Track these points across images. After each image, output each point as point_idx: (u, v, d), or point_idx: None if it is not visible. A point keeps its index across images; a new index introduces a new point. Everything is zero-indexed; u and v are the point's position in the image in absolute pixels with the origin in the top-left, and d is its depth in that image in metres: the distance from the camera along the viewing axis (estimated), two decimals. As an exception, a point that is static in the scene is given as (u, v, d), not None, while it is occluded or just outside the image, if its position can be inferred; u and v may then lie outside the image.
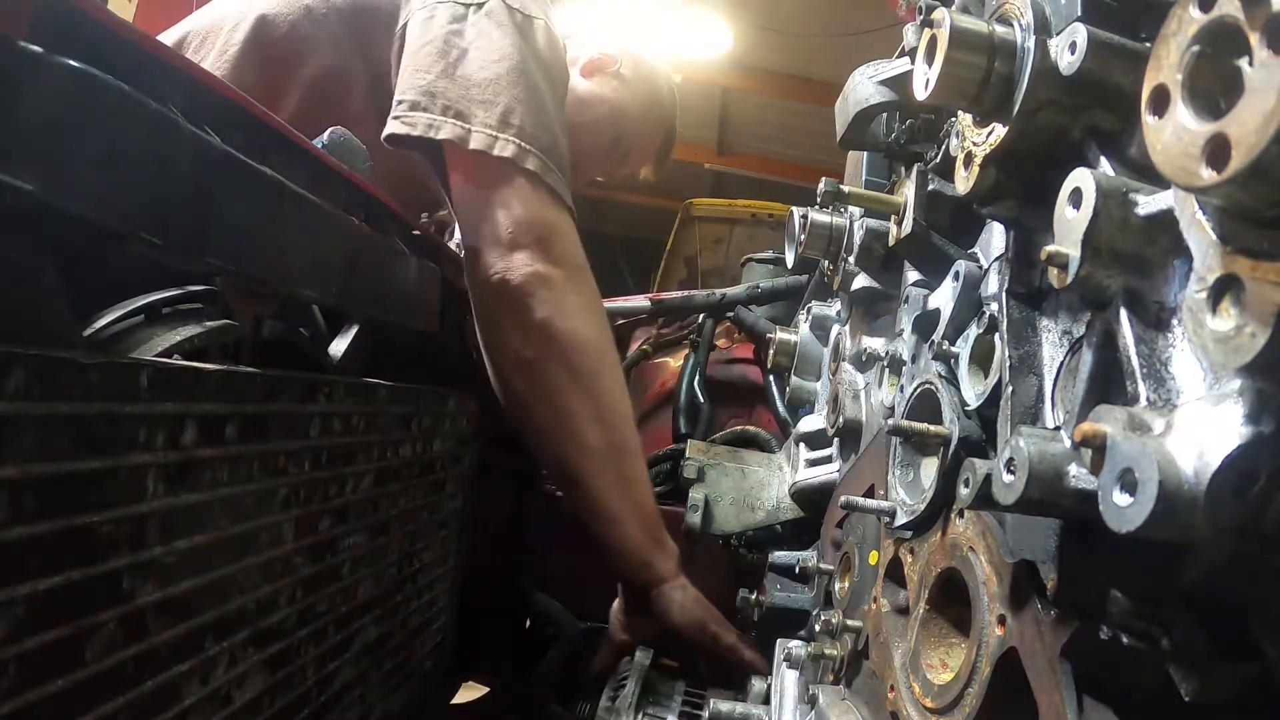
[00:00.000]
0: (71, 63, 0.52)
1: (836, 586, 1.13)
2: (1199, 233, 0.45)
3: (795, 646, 1.11)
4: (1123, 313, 0.53)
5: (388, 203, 1.07)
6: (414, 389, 1.18)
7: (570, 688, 1.63)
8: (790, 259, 1.33)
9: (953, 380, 0.80)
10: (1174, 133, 0.42)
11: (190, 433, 0.67)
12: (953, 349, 0.80)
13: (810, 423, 1.37)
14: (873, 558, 0.97)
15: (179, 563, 0.67)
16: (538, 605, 1.77)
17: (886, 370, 1.07)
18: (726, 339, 2.08)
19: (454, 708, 1.71)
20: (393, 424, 1.13)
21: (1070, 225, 0.54)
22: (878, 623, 0.90)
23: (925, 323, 0.88)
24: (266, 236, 0.80)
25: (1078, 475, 0.51)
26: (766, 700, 1.20)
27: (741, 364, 2.01)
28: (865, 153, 1.34)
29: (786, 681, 1.15)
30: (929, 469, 0.86)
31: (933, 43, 0.67)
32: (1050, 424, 0.64)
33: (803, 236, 1.27)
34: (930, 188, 0.91)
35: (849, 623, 0.98)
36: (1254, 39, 0.38)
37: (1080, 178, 0.54)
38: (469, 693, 1.83)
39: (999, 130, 0.66)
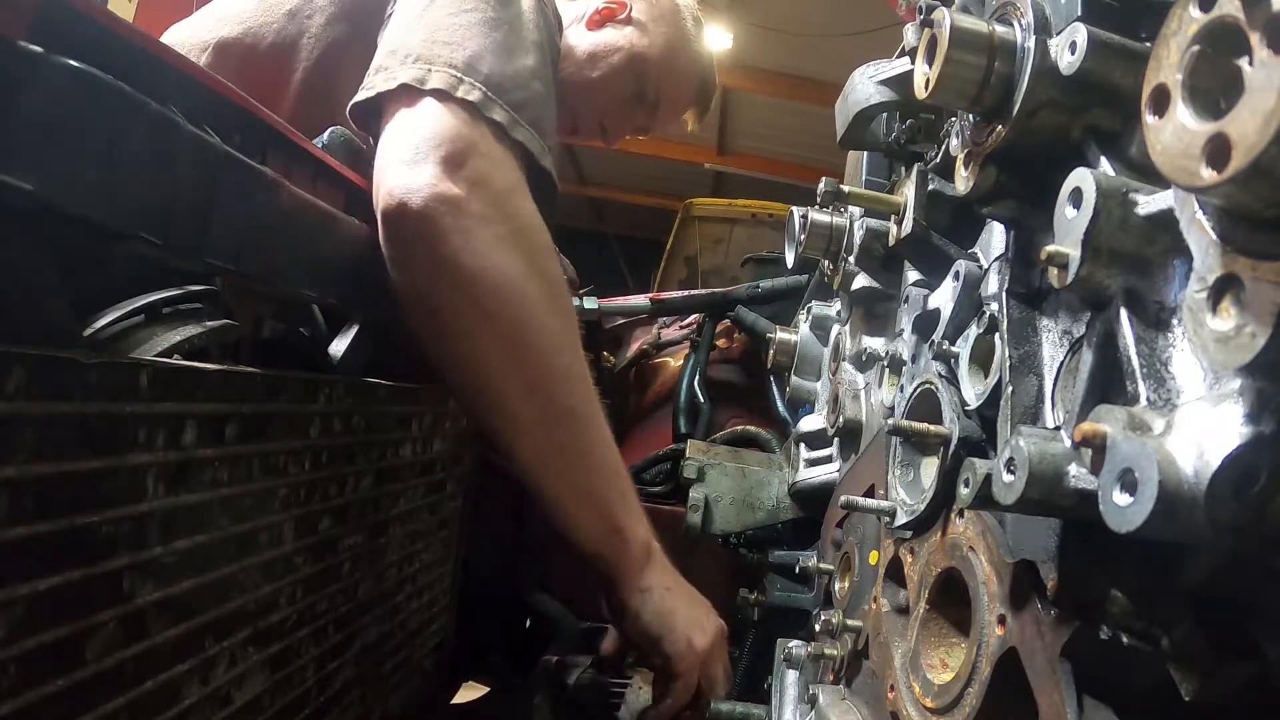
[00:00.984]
0: (71, 63, 0.52)
1: (836, 586, 1.13)
2: (1199, 232, 0.45)
3: (795, 646, 1.11)
4: (1123, 312, 0.53)
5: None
6: (414, 388, 1.18)
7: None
8: (790, 259, 1.33)
9: (953, 380, 0.80)
10: (1174, 132, 0.42)
11: (190, 432, 0.67)
12: (953, 349, 0.80)
13: (810, 422, 1.37)
14: (873, 557, 0.98)
15: (179, 562, 0.67)
16: (538, 605, 1.77)
17: (886, 370, 1.07)
18: (726, 339, 2.08)
19: (454, 708, 1.71)
20: (393, 424, 1.13)
21: (1070, 225, 0.54)
22: (878, 622, 0.90)
23: (925, 322, 0.88)
24: (266, 236, 0.80)
25: (1078, 475, 0.51)
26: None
27: (741, 364, 2.01)
28: (865, 152, 1.34)
29: (787, 681, 1.15)
30: (929, 469, 0.86)
31: (933, 42, 0.67)
32: (1050, 424, 0.64)
33: (803, 236, 1.27)
34: (930, 188, 0.91)
35: (849, 622, 0.98)
36: (1254, 39, 0.38)
37: (1080, 177, 0.54)
38: (469, 693, 1.83)
39: (999, 130, 0.66)
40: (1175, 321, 0.52)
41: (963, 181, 0.72)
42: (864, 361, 1.18)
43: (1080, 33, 0.59)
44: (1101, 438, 0.46)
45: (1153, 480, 0.42)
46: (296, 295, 0.91)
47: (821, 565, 1.19)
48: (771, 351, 1.55)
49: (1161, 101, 0.44)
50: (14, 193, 0.50)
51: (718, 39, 6.86)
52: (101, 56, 0.55)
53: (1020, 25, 0.64)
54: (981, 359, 0.78)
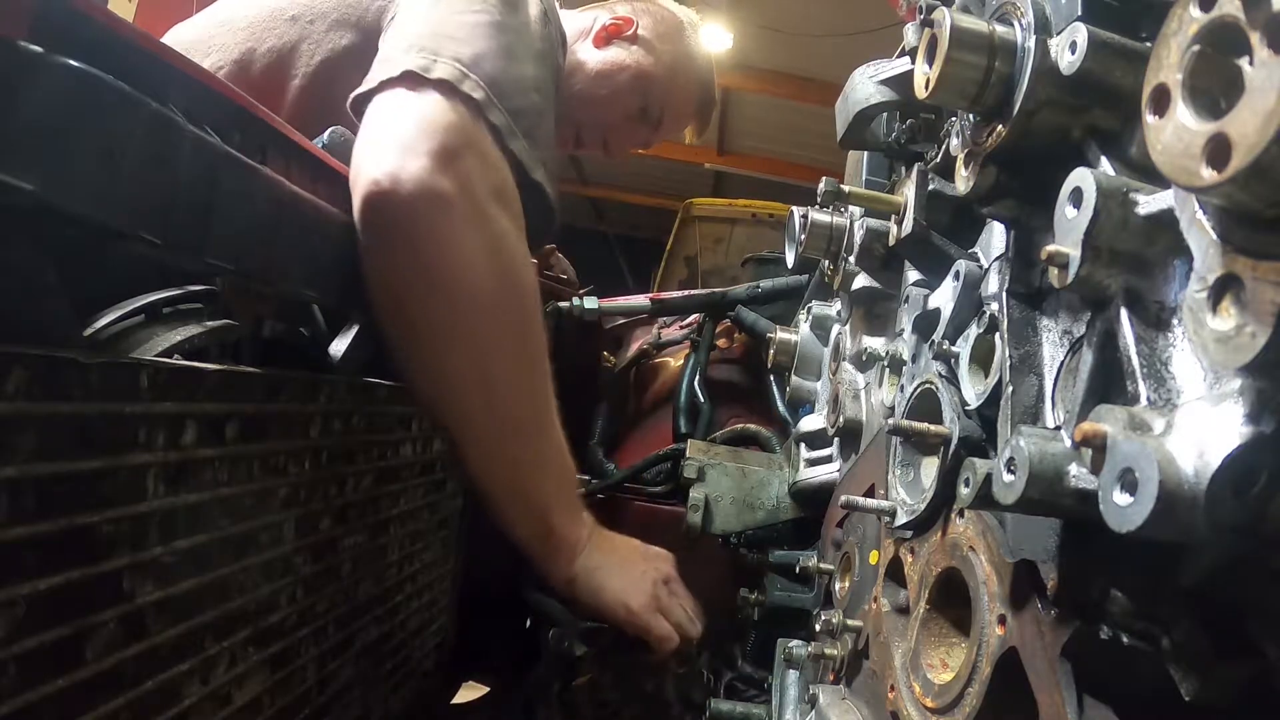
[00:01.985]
0: (72, 63, 0.52)
1: (837, 586, 1.13)
2: (1199, 232, 0.45)
3: (795, 646, 1.11)
4: (1123, 312, 0.53)
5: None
6: (414, 389, 1.18)
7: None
8: (790, 259, 1.33)
9: (953, 380, 0.80)
10: (1174, 132, 0.42)
11: (190, 432, 0.67)
12: (953, 349, 0.80)
13: (810, 422, 1.37)
14: (873, 557, 0.98)
15: (179, 562, 0.67)
16: (538, 605, 1.76)
17: (887, 370, 1.07)
18: (727, 339, 2.08)
19: (454, 708, 1.71)
20: (393, 423, 1.14)
21: (1070, 225, 0.54)
22: (878, 622, 0.90)
23: (925, 322, 0.88)
24: (267, 236, 0.80)
25: (1078, 475, 0.51)
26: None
27: (742, 364, 2.01)
28: (865, 152, 1.34)
29: (787, 681, 1.15)
30: (929, 469, 0.86)
31: (933, 42, 0.67)
32: (1050, 424, 0.64)
33: (803, 236, 1.27)
34: (930, 187, 0.91)
35: (849, 622, 0.98)
36: (1254, 38, 0.38)
37: (1080, 177, 0.54)
38: (469, 692, 1.83)
39: (999, 130, 0.66)
40: (1175, 321, 0.52)
41: (963, 181, 0.72)
42: (864, 361, 1.18)
43: (1080, 32, 0.59)
44: (1102, 437, 0.46)
45: (1153, 480, 0.42)
46: (296, 295, 0.91)
47: (822, 565, 1.19)
48: (772, 351, 1.54)
49: (1162, 101, 0.44)
50: (15, 193, 0.50)
51: (718, 39, 6.87)
52: (102, 56, 0.55)
53: (1020, 25, 0.64)
54: (982, 359, 0.78)
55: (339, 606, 0.99)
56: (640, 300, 2.17)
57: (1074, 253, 0.53)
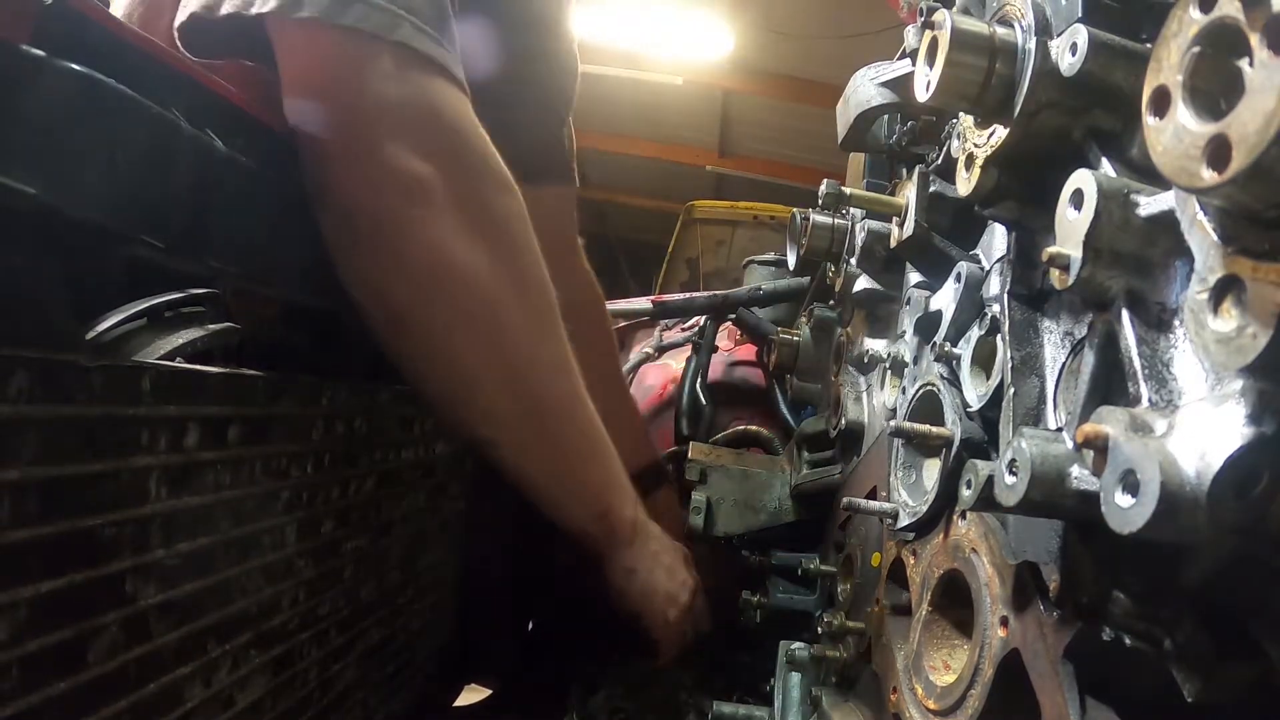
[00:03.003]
0: (74, 67, 0.52)
1: (839, 588, 1.13)
2: (1200, 233, 0.45)
3: (798, 648, 1.11)
4: (1124, 314, 0.53)
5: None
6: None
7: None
8: (792, 261, 1.33)
9: (955, 382, 0.80)
10: (1175, 133, 0.42)
11: (193, 435, 0.67)
12: (955, 350, 0.80)
13: (812, 424, 1.37)
14: (875, 559, 0.98)
15: (181, 565, 0.67)
16: (540, 607, 1.76)
17: (888, 372, 1.07)
18: (729, 341, 2.08)
19: (456, 710, 1.71)
20: (395, 426, 1.13)
21: (1072, 226, 0.54)
22: (880, 624, 0.90)
23: (927, 324, 0.88)
24: (268, 239, 0.80)
25: (1080, 476, 0.51)
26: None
27: (744, 366, 2.01)
28: (867, 154, 1.34)
29: (789, 683, 1.15)
30: (931, 471, 0.86)
31: (934, 44, 0.67)
32: (1052, 425, 0.64)
33: (804, 239, 1.27)
34: (932, 189, 0.91)
35: (851, 624, 0.98)
36: (1254, 40, 0.38)
37: (1081, 179, 0.54)
38: (471, 695, 1.83)
39: (1000, 132, 0.66)
40: (1177, 323, 0.52)
41: (964, 183, 0.72)
42: (866, 363, 1.18)
43: (1081, 34, 0.59)
44: (1103, 439, 0.46)
45: (1154, 481, 0.42)
46: (298, 298, 0.91)
47: (824, 567, 1.19)
48: (774, 353, 1.55)
49: (1162, 103, 0.44)
50: (17, 196, 0.50)
51: (719, 41, 6.88)
52: (104, 60, 0.55)
53: (1021, 27, 0.64)
54: (983, 361, 0.78)
55: (341, 609, 0.99)
56: (642, 303, 2.17)
57: (1075, 254, 0.53)
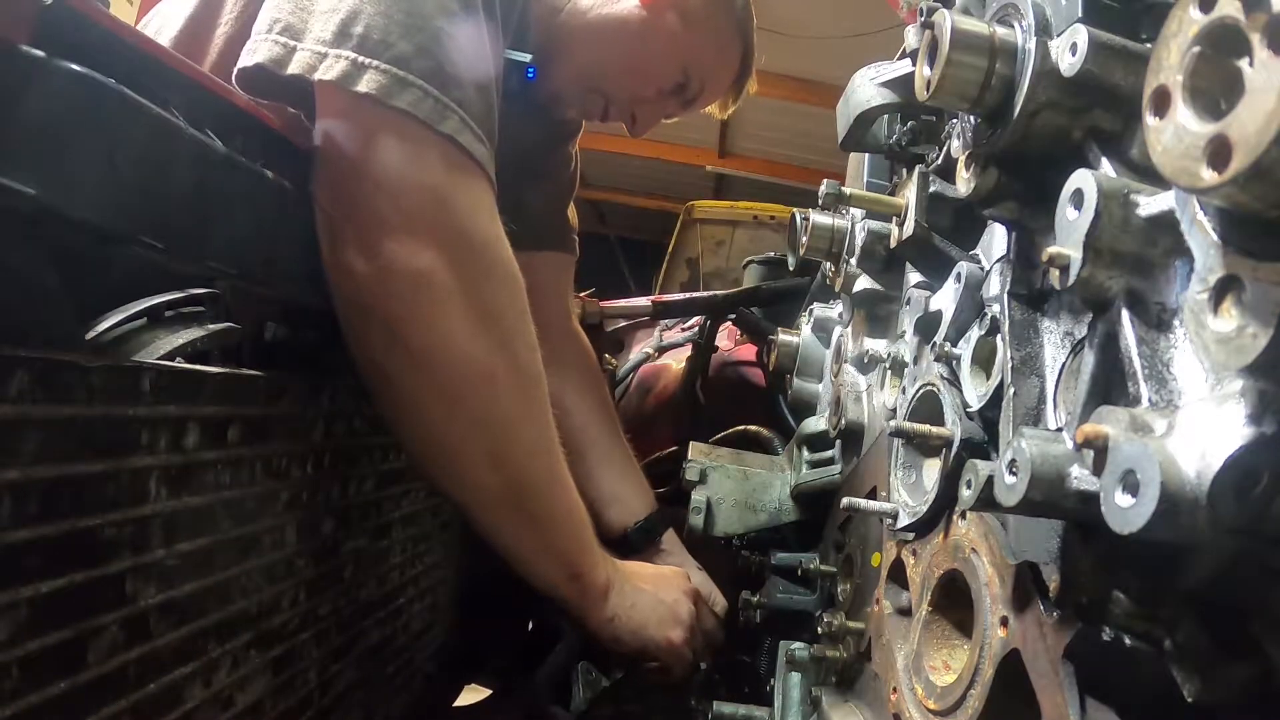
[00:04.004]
0: (73, 67, 0.52)
1: (839, 588, 1.13)
2: (1200, 233, 0.45)
3: (798, 648, 1.11)
4: (1124, 314, 0.53)
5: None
6: (416, 391, 1.18)
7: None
8: (792, 261, 1.33)
9: (954, 382, 0.80)
10: (1175, 134, 0.42)
11: (193, 435, 0.67)
12: (954, 350, 0.80)
13: (812, 424, 1.37)
14: (875, 559, 0.97)
15: (182, 565, 0.67)
16: (540, 608, 1.76)
17: (888, 372, 1.07)
18: (729, 341, 2.08)
19: (456, 710, 1.71)
20: (395, 426, 1.13)
21: (1072, 226, 0.54)
22: (880, 624, 0.90)
23: (927, 324, 0.88)
24: (268, 239, 0.80)
25: (1080, 477, 0.51)
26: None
27: (744, 366, 2.01)
28: (867, 154, 1.34)
29: (789, 683, 1.15)
30: (931, 471, 0.86)
31: (933, 44, 0.67)
32: (1052, 425, 0.64)
33: (804, 238, 1.27)
34: (932, 189, 0.91)
35: (851, 625, 0.98)
36: (1254, 39, 0.38)
37: (1081, 179, 0.54)
38: (472, 695, 1.83)
39: (1000, 132, 0.66)
40: (1177, 323, 0.52)
41: (964, 183, 0.72)
42: (866, 363, 1.18)
43: (1081, 34, 0.59)
44: (1103, 439, 0.46)
45: (1154, 481, 0.42)
46: (298, 298, 0.91)
47: (824, 567, 1.19)
48: (774, 354, 1.55)
49: (1162, 103, 0.44)
50: (16, 196, 0.50)
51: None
52: (103, 60, 0.55)
53: (1021, 27, 0.64)
54: (983, 361, 0.78)
55: (341, 609, 0.99)
56: (642, 302, 2.17)
57: (1075, 254, 0.53)
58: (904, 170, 1.15)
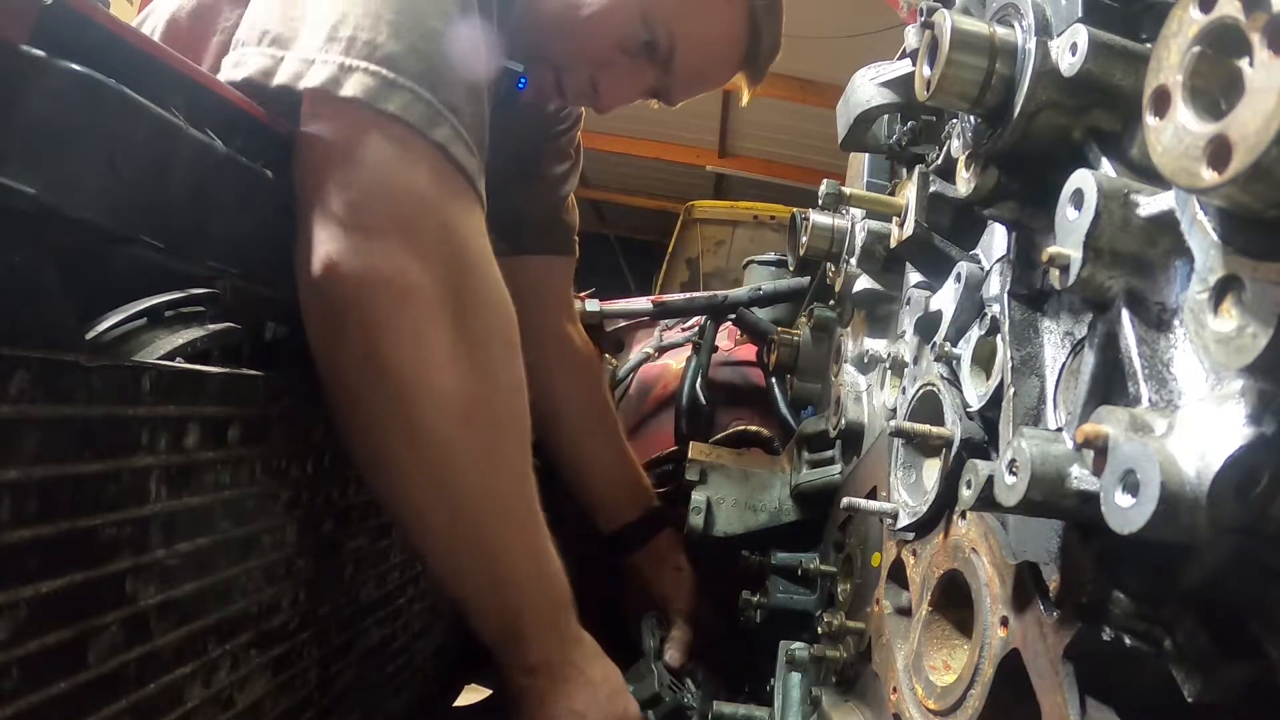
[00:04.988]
0: (74, 66, 0.52)
1: (839, 588, 1.13)
2: (1200, 233, 0.45)
3: (798, 648, 1.11)
4: (1124, 314, 0.53)
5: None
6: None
7: None
8: (792, 261, 1.33)
9: (955, 382, 0.80)
10: (1175, 134, 0.42)
11: (193, 435, 0.67)
12: (955, 350, 0.80)
13: (812, 424, 1.37)
14: (875, 559, 0.98)
15: (182, 565, 0.67)
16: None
17: (888, 372, 1.07)
18: (729, 341, 2.08)
19: (456, 710, 1.71)
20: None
21: (1072, 226, 0.54)
22: (880, 624, 0.90)
23: (927, 324, 0.88)
24: (269, 239, 0.80)
25: (1080, 477, 0.51)
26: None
27: (744, 366, 2.01)
28: (867, 154, 1.34)
29: (789, 683, 1.15)
30: (931, 471, 0.86)
31: (933, 44, 0.67)
32: (1052, 425, 0.64)
33: (804, 239, 1.27)
34: (932, 189, 0.91)
35: (851, 624, 0.98)
36: (1254, 39, 0.38)
37: (1081, 179, 0.54)
38: (472, 695, 1.83)
39: (1000, 132, 0.66)
40: (1177, 322, 0.52)
41: (964, 183, 0.72)
42: (866, 363, 1.18)
43: (1081, 34, 0.59)
44: (1103, 439, 0.46)
45: (1154, 481, 0.42)
46: (299, 297, 0.91)
47: (824, 567, 1.19)
48: (774, 354, 1.55)
49: (1162, 103, 0.44)
50: (16, 196, 0.50)
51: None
52: (104, 60, 0.55)
53: (1021, 27, 0.64)
54: (983, 361, 0.78)
55: (341, 609, 0.99)
56: (642, 303, 2.17)
57: (1075, 254, 0.53)
58: (904, 170, 1.15)
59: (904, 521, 0.85)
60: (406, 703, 1.32)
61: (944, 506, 0.79)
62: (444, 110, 0.85)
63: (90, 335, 0.66)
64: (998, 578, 0.67)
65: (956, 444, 0.76)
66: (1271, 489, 0.42)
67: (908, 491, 0.87)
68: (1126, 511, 0.43)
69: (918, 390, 0.86)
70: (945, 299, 0.85)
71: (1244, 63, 0.40)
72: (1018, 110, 0.63)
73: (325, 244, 0.81)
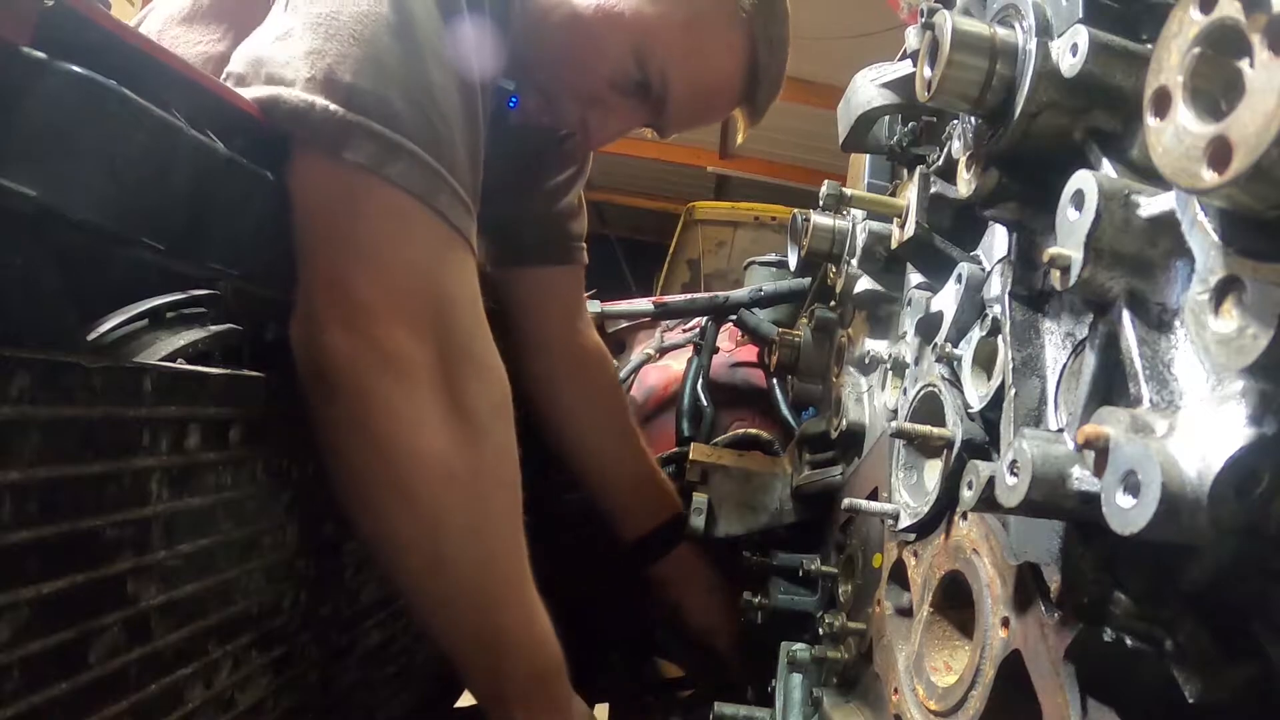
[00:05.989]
0: (75, 68, 0.52)
1: (840, 589, 1.13)
2: (1201, 234, 0.45)
3: (799, 649, 1.11)
4: (1125, 314, 0.53)
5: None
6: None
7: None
8: (793, 262, 1.33)
9: (956, 383, 0.80)
10: (1175, 134, 0.42)
11: (194, 436, 0.67)
12: (956, 351, 0.80)
13: (813, 425, 1.37)
14: (876, 560, 0.97)
15: (182, 566, 0.67)
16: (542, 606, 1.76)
17: (889, 373, 1.07)
18: (730, 342, 2.08)
19: (457, 710, 1.71)
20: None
21: (1072, 227, 0.54)
22: (881, 625, 0.90)
23: (928, 325, 0.88)
24: (269, 240, 0.80)
25: (1081, 477, 0.51)
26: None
27: (745, 367, 2.01)
28: (868, 155, 1.34)
29: (790, 684, 1.15)
30: (932, 471, 0.86)
31: (934, 45, 0.67)
32: (1053, 426, 0.64)
33: (805, 240, 1.27)
34: (933, 190, 0.91)
35: (852, 625, 0.98)
36: (1255, 40, 0.38)
37: (1082, 179, 0.54)
38: (471, 696, 1.83)
39: (1001, 133, 0.66)
40: (1177, 323, 0.52)
41: (965, 184, 0.72)
42: (867, 364, 1.18)
43: (1082, 35, 0.59)
44: (1104, 440, 0.46)
45: (1155, 482, 0.42)
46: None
47: (825, 568, 1.19)
48: (775, 355, 1.54)
49: (1163, 103, 0.44)
50: (17, 198, 0.50)
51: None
52: (104, 62, 0.56)
53: (1021, 28, 0.64)
54: (984, 361, 0.78)
55: (342, 610, 0.99)
56: (643, 304, 2.17)
57: (1076, 255, 0.53)
58: (905, 171, 1.15)
59: (905, 522, 0.85)
60: (407, 704, 1.32)
61: (945, 507, 0.79)
62: (443, 172, 0.85)
63: (91, 336, 0.67)
64: (999, 578, 0.67)
65: (958, 445, 0.76)
66: (1272, 489, 0.42)
67: (909, 492, 0.87)
68: (1128, 512, 0.43)
69: (919, 391, 0.86)
70: (946, 300, 0.85)
71: (1244, 64, 0.40)
72: (1018, 111, 0.63)
73: (318, 309, 0.82)
